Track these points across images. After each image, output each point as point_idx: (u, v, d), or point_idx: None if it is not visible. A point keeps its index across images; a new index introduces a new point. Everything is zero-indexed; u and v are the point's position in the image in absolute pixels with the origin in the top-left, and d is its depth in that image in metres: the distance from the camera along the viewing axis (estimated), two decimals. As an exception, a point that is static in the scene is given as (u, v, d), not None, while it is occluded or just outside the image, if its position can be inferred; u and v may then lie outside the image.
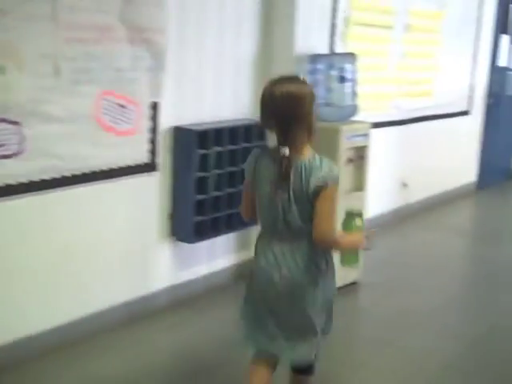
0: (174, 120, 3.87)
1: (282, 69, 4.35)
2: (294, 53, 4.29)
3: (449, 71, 6.47)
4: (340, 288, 3.74)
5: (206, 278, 4.28)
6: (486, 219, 6.53)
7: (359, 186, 4.38)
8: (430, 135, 6.29)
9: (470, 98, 7.01)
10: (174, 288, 4.07)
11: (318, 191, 2.31)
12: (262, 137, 4.23)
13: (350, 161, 4.28)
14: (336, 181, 2.34)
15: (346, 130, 4.20)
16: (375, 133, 4.69)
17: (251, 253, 2.58)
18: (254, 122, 4.18)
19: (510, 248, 5.58)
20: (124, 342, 3.52)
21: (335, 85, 4.24)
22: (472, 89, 7.00)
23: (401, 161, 5.97)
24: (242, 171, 2.56)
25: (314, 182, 2.31)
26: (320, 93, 4.34)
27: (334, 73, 4.22)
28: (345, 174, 4.25)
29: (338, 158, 4.17)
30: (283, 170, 2.33)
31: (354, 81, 4.33)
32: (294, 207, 2.36)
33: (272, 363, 2.57)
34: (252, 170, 2.46)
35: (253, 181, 2.47)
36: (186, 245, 4.02)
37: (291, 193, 2.35)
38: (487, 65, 7.26)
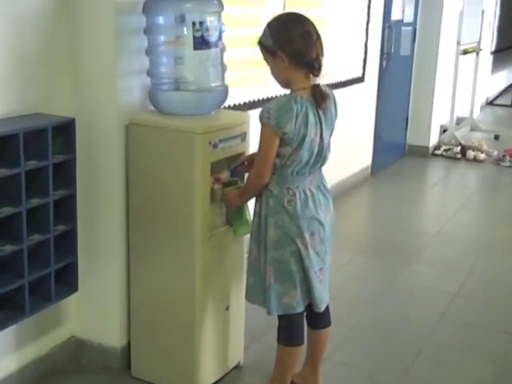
0: None
1: (93, 26, 2.56)
2: (116, -2, 2.47)
3: (340, 27, 4.89)
4: None
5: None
6: (385, 221, 5.06)
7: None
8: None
9: (364, 61, 5.49)
10: None
11: None
12: (69, 145, 2.42)
13: (224, 184, 2.57)
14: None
15: (207, 131, 2.46)
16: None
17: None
18: (53, 121, 2.35)
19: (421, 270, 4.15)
20: None
21: (190, 53, 2.47)
22: (366, 49, 5.48)
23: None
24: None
25: None
26: (164, 67, 2.58)
27: (187, 32, 2.45)
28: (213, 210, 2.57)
29: (196, 183, 2.46)
30: None
31: (221, 45, 2.58)
32: None
33: None
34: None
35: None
36: None
37: None
38: (380, 18, 5.76)
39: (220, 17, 2.55)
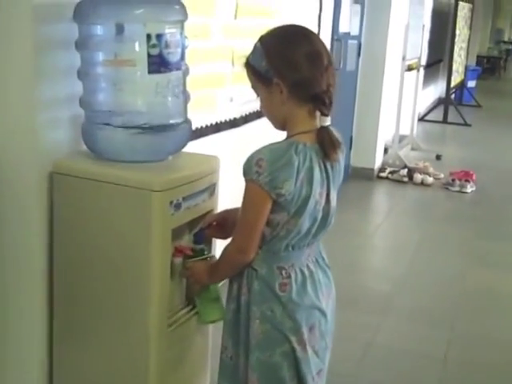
0: None
1: (3, 38, 1.82)
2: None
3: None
4: None
5: None
6: (341, 260, 4.44)
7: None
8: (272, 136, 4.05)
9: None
10: None
11: None
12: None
13: (186, 257, 1.90)
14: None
15: (167, 187, 1.77)
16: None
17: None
18: None
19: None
20: None
21: (143, 77, 1.78)
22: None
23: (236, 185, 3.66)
24: None
25: None
26: (104, 96, 1.88)
27: (140, 48, 1.75)
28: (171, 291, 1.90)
29: (153, 259, 1.77)
30: None
31: (183, 67, 1.90)
32: None
33: None
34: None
35: None
36: None
37: None
38: (329, 30, 5.21)
39: (183, 29, 1.87)
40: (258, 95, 1.72)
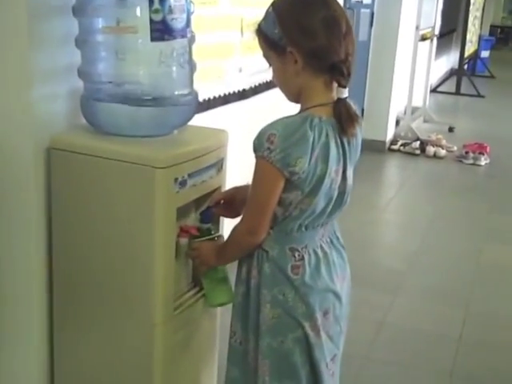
0: None
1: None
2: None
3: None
4: None
5: None
6: (352, 236, 4.31)
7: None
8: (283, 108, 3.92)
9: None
10: None
11: None
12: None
13: (192, 237, 1.79)
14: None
15: (172, 163, 1.66)
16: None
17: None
18: None
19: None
20: None
21: (145, 45, 1.66)
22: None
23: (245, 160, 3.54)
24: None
25: None
26: (104, 66, 1.76)
27: (141, 14, 1.63)
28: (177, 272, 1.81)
29: (156, 240, 1.67)
30: None
31: (189, 35, 1.77)
32: None
33: None
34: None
35: None
36: None
37: None
38: (341, -2, 5.04)
39: (188, -7, 1.74)
40: (270, 65, 1.60)
